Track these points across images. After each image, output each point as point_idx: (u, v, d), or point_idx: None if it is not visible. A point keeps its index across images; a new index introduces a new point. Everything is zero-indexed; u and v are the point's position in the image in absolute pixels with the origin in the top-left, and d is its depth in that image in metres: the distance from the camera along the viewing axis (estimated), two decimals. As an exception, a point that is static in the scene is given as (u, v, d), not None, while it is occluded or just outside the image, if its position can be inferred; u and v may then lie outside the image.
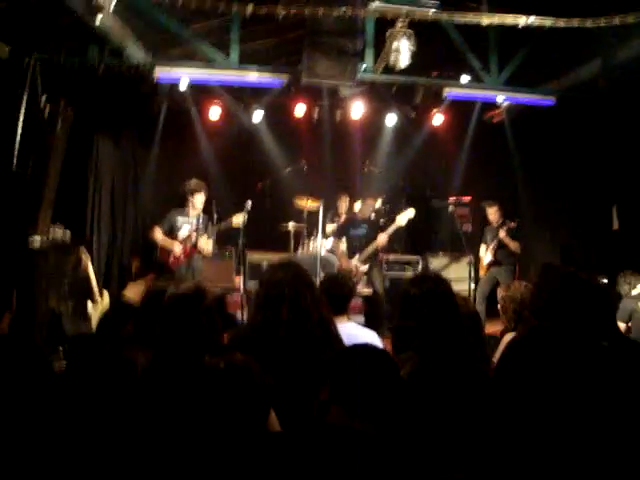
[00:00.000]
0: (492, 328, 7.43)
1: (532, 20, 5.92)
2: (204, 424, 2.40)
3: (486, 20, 6.04)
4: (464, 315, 3.08)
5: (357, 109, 8.89)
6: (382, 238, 8.02)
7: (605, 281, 7.75)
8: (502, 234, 8.26)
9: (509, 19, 5.98)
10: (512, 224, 8.24)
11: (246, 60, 7.47)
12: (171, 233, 7.44)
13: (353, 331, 3.78)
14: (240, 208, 7.50)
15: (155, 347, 2.79)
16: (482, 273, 8.64)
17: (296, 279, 3.16)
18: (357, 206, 8.84)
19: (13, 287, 3.06)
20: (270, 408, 2.59)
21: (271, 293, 3.11)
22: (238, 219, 7.47)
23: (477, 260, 8.67)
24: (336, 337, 3.18)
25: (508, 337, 3.61)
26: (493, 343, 4.40)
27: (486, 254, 8.57)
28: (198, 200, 7.47)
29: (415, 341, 2.75)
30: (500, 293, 4.32)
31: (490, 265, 8.51)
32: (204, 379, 2.46)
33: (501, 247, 8.37)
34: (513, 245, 8.29)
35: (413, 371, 2.61)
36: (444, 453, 2.45)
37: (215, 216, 7.76)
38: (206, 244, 7.46)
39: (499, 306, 4.23)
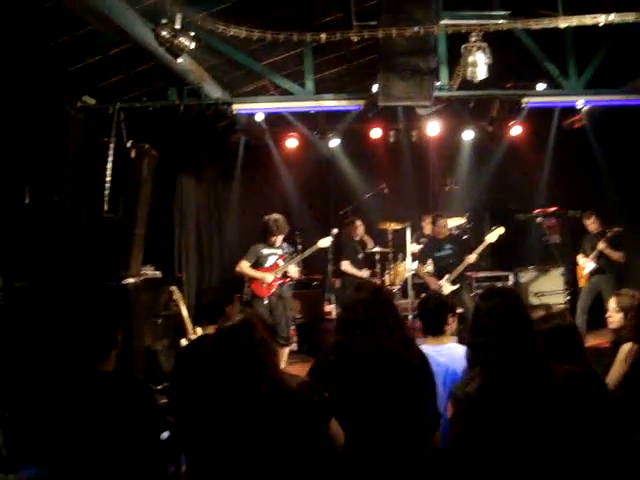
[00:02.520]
0: (595, 340, 7.16)
1: (613, 17, 5.71)
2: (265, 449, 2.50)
3: (563, 23, 5.87)
4: (557, 329, 3.05)
5: (433, 127, 8.80)
6: (472, 257, 7.88)
7: None
8: (602, 245, 7.94)
9: (588, 19, 5.80)
10: (615, 230, 7.90)
11: (321, 89, 7.54)
12: (258, 265, 7.51)
13: (453, 349, 3.75)
14: (323, 235, 7.56)
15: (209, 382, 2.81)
16: (582, 284, 8.29)
17: (370, 301, 3.13)
18: (444, 224, 8.67)
19: (117, 325, 3.13)
20: (329, 418, 2.71)
21: (347, 316, 3.13)
22: (324, 242, 7.53)
23: (574, 270, 8.35)
24: (414, 356, 3.13)
25: (627, 346, 3.44)
26: (603, 355, 4.21)
27: (587, 263, 8.22)
28: (279, 239, 7.54)
29: (483, 357, 2.74)
30: (615, 302, 4.14)
31: (592, 274, 8.17)
32: (260, 407, 2.56)
33: (603, 255, 8.03)
34: (615, 255, 7.96)
35: (479, 387, 2.64)
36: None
37: (299, 247, 7.82)
38: (294, 271, 7.53)
39: (611, 314, 4.07)
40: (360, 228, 8.73)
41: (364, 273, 8.22)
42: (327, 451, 2.72)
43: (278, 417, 2.59)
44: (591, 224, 8.28)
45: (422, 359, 3.15)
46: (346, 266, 8.16)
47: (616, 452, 2.69)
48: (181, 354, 4.58)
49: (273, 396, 2.61)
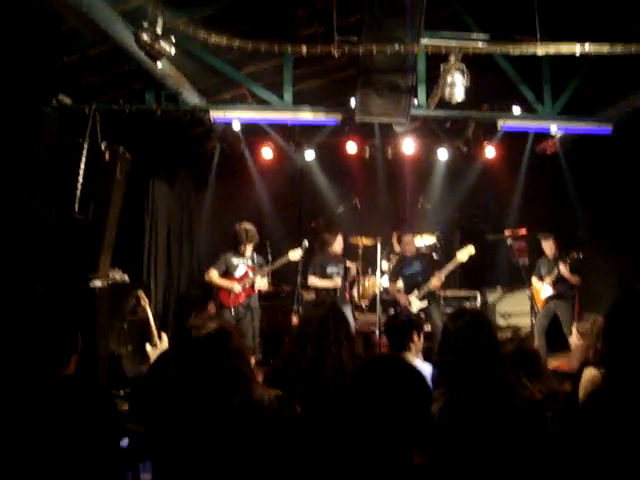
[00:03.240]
0: (555, 362, 7.22)
1: (588, 48, 5.82)
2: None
3: (540, 50, 5.96)
4: (517, 353, 3.08)
5: (409, 145, 8.87)
6: (441, 275, 7.95)
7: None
8: (562, 267, 8.02)
9: (564, 48, 5.90)
10: (575, 256, 8.00)
11: (298, 100, 7.54)
12: (227, 274, 7.47)
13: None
14: (293, 246, 7.56)
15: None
16: (539, 306, 8.38)
17: (325, 316, 3.28)
18: (415, 241, 8.71)
19: (78, 328, 3.09)
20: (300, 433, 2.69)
21: (302, 329, 3.27)
22: (294, 254, 7.53)
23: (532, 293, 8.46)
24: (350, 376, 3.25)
25: (590, 372, 3.48)
26: (565, 378, 4.26)
27: (544, 287, 8.31)
28: (249, 249, 7.52)
29: (449, 377, 2.77)
30: (576, 328, 4.19)
31: (550, 299, 8.27)
32: (231, 419, 2.52)
33: (560, 280, 8.13)
34: (574, 279, 8.06)
35: (442, 407, 2.64)
36: None
37: (270, 257, 7.80)
38: (262, 283, 7.51)
39: (574, 340, 4.11)
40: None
41: (328, 283, 8.09)
42: (297, 465, 2.69)
43: (248, 430, 2.56)
44: (549, 247, 8.36)
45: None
46: (312, 280, 8.15)
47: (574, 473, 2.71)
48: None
49: (245, 408, 2.59)
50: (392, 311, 8.06)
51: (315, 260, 8.21)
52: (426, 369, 3.86)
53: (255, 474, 2.52)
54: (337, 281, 8.01)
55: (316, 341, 3.15)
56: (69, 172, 6.25)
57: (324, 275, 8.08)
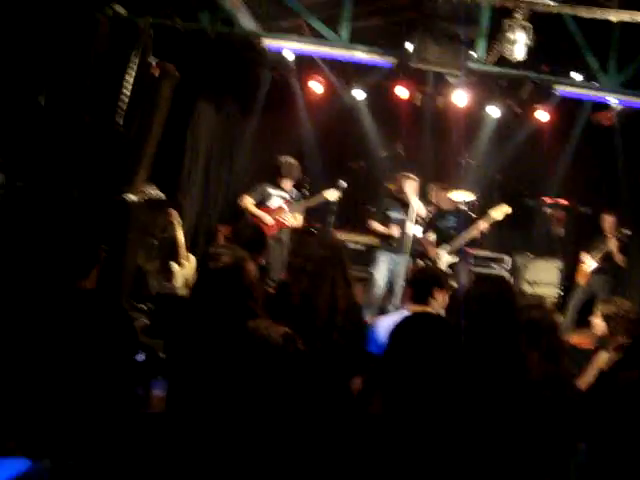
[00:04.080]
0: (576, 338, 7.17)
1: (665, 19, 5.56)
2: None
3: (614, 16, 5.71)
4: (539, 322, 3.07)
5: (461, 98, 8.64)
6: (475, 231, 7.85)
7: None
8: (614, 244, 7.88)
9: (640, 17, 5.64)
10: (627, 233, 7.85)
11: (355, 38, 7.37)
12: (262, 204, 7.48)
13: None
14: (332, 186, 7.50)
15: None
16: (581, 281, 8.26)
17: (325, 256, 3.38)
18: (453, 195, 8.53)
19: (100, 241, 3.08)
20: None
21: (301, 265, 3.35)
22: (331, 194, 7.48)
23: (573, 266, 8.31)
24: (344, 311, 3.35)
25: (603, 355, 3.45)
26: (582, 356, 4.24)
27: (591, 262, 8.20)
28: (288, 182, 7.47)
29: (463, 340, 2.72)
30: (600, 309, 4.13)
31: (593, 273, 8.13)
32: (236, 353, 2.56)
33: (608, 257, 7.99)
34: (619, 257, 7.91)
35: None
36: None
37: (307, 194, 7.77)
38: (295, 219, 7.49)
39: (595, 319, 4.06)
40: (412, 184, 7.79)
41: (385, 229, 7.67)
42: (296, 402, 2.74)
43: (252, 363, 2.60)
44: (610, 223, 8.15)
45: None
46: (371, 223, 7.83)
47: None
48: None
49: (250, 343, 2.62)
50: (421, 262, 8.00)
51: (380, 202, 8.00)
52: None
53: (257, 406, 2.57)
54: (394, 229, 7.56)
55: (311, 277, 3.23)
56: (117, 84, 6.25)
57: (385, 220, 7.72)
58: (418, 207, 7.49)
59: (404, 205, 7.53)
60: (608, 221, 8.17)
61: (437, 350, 2.26)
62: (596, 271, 8.10)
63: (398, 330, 2.40)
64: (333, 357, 3.26)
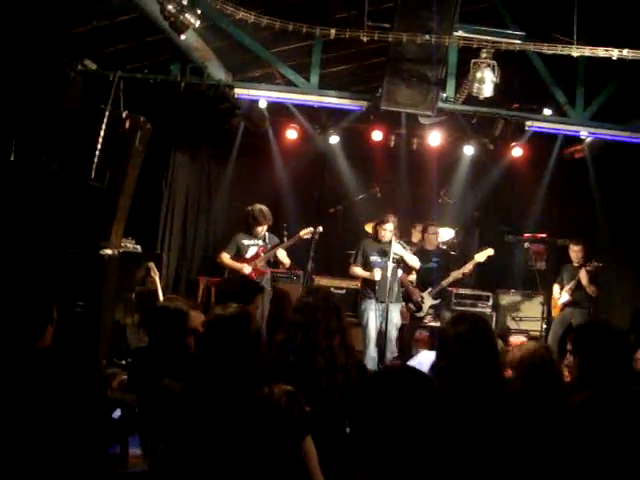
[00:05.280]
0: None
1: (626, 53, 5.67)
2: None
3: (576, 52, 5.82)
4: (541, 369, 3.01)
5: (435, 138, 8.75)
6: (458, 274, 7.90)
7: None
8: (583, 275, 7.88)
9: (601, 52, 5.75)
10: (597, 264, 7.85)
11: (325, 84, 7.45)
12: (238, 255, 7.44)
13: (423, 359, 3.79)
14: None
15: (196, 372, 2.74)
16: (555, 313, 8.27)
17: (316, 305, 3.26)
18: (434, 231, 8.46)
19: (52, 299, 2.93)
20: (305, 435, 2.61)
21: (291, 317, 3.25)
22: (306, 232, 7.45)
23: (549, 299, 8.33)
24: (344, 368, 3.22)
25: None
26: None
27: (562, 294, 8.18)
28: (259, 231, 7.43)
29: (443, 382, 2.69)
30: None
31: (565, 305, 8.14)
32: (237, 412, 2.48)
33: (579, 288, 7.99)
34: (591, 289, 7.92)
35: None
36: None
37: (285, 240, 7.74)
38: (283, 256, 7.43)
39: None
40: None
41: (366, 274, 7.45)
42: (296, 468, 2.63)
43: (253, 424, 2.51)
44: (575, 252, 8.19)
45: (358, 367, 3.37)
46: (352, 268, 7.62)
47: None
48: None
49: (252, 403, 2.53)
50: (410, 306, 7.93)
51: (360, 246, 7.69)
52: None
53: (254, 470, 2.47)
54: (376, 274, 7.26)
55: (304, 330, 3.09)
56: (88, 138, 6.22)
57: (366, 264, 7.48)
58: (399, 250, 7.36)
59: (384, 248, 7.34)
60: (574, 251, 8.21)
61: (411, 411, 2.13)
62: (567, 303, 8.11)
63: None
64: (335, 420, 3.14)
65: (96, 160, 6.17)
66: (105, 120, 6.22)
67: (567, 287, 8.11)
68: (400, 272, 7.54)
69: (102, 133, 6.20)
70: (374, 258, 7.42)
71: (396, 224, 7.32)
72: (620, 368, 2.83)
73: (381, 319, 7.26)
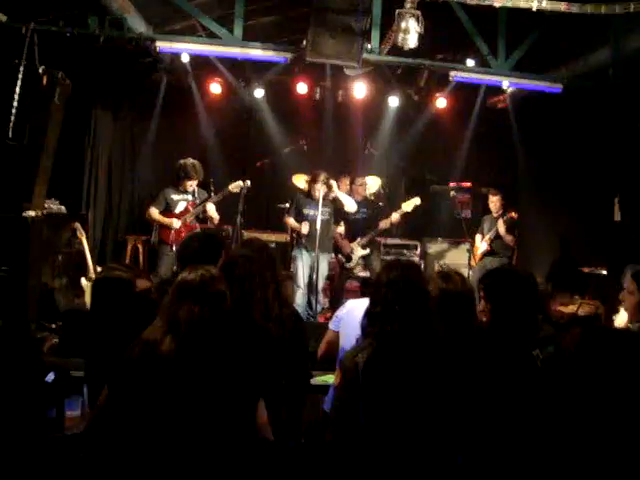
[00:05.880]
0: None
1: (545, 4, 5.79)
2: None
3: (497, 3, 5.89)
4: (456, 293, 3.12)
5: (360, 89, 8.77)
6: (386, 224, 8.01)
7: (605, 273, 7.70)
8: (500, 224, 8.05)
9: (522, 2, 5.85)
10: (512, 215, 8.04)
11: (249, 36, 7.32)
12: (167, 211, 7.34)
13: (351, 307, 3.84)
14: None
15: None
16: (474, 262, 8.48)
17: (251, 257, 3.28)
18: (361, 183, 8.53)
19: None
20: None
21: (227, 270, 3.18)
22: (235, 186, 7.40)
23: (472, 248, 8.56)
24: (279, 318, 3.28)
25: None
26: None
27: (481, 243, 8.37)
28: (189, 185, 7.34)
29: (377, 327, 2.76)
30: None
31: (484, 255, 8.34)
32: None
33: (498, 238, 8.16)
34: (508, 238, 8.08)
35: (368, 358, 2.66)
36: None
37: (212, 194, 7.65)
38: (213, 211, 7.37)
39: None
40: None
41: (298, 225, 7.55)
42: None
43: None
44: (494, 202, 8.32)
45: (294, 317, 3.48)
46: (286, 219, 7.77)
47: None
48: None
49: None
50: (340, 257, 8.05)
51: (293, 199, 7.81)
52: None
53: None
54: (305, 226, 7.39)
55: (240, 282, 3.12)
56: (3, 96, 5.97)
57: (298, 217, 7.58)
58: (347, 202, 7.55)
59: (315, 201, 7.39)
60: (492, 201, 8.37)
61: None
62: (486, 252, 8.32)
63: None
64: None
65: (13, 118, 5.94)
66: (20, 76, 5.97)
67: (486, 237, 8.26)
68: (332, 225, 7.65)
69: (18, 90, 5.95)
70: (306, 211, 7.53)
71: (325, 180, 7.35)
72: (529, 311, 2.99)
73: (309, 270, 7.45)
